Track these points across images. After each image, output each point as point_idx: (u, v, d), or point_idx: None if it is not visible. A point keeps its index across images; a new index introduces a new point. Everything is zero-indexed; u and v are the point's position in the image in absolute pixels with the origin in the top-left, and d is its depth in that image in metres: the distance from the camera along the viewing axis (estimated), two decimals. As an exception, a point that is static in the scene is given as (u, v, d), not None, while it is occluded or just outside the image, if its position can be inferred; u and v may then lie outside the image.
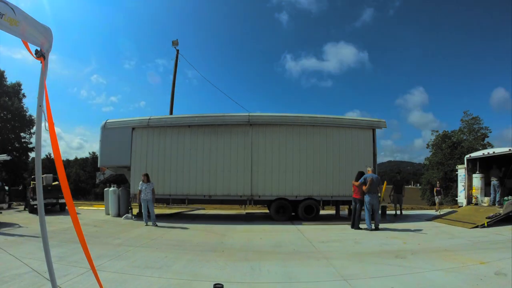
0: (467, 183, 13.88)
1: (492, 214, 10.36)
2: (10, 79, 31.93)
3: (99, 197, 25.29)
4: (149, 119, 12.19)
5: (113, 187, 13.14)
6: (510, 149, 11.71)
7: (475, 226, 9.80)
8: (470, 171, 13.84)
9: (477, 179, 13.28)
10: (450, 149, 30.79)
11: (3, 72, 31.03)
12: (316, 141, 12.01)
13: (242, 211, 15.11)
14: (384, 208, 13.04)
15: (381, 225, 9.93)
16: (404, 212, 14.21)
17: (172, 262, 5.86)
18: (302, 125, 12.07)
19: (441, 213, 13.16)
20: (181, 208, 15.95)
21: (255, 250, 7.14)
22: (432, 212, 15.14)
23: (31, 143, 31.32)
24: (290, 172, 11.77)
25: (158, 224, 10.25)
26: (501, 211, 10.37)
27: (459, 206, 14.22)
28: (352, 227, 10.00)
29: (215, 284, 2.95)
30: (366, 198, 9.81)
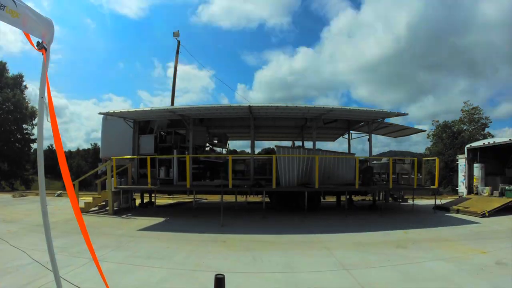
0: (468, 173, 13.91)
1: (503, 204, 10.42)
2: (12, 70, 31.90)
3: (101, 188, 25.22)
4: (150, 110, 12.07)
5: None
6: (510, 139, 11.69)
7: (476, 216, 9.85)
8: (471, 161, 13.84)
9: (477, 169, 13.30)
10: (450, 139, 30.77)
11: (5, 64, 30.98)
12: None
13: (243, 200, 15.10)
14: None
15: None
16: None
17: (174, 253, 5.91)
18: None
19: (442, 202, 13.18)
20: (183, 198, 15.98)
21: (257, 240, 7.18)
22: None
23: (33, 134, 31.42)
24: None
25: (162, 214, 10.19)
26: (502, 200, 10.45)
27: (460, 196, 14.23)
28: None
29: (216, 275, 2.96)
30: None
